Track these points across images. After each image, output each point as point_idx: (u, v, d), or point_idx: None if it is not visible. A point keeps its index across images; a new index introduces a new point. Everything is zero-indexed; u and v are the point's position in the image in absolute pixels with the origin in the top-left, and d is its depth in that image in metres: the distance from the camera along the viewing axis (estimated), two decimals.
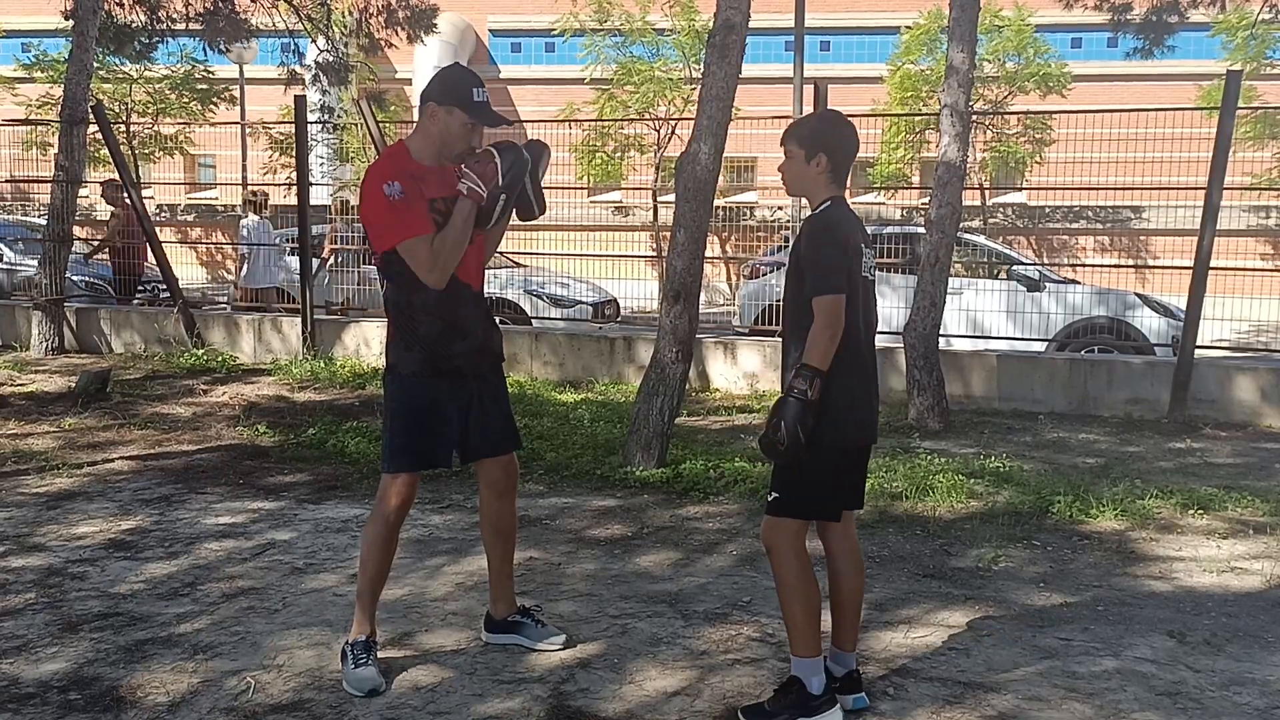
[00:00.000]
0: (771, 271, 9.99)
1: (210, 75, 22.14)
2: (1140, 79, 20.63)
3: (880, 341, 8.08)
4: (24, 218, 16.02)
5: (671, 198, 6.37)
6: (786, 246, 9.68)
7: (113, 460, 6.10)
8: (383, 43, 15.15)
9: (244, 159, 20.95)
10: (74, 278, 11.45)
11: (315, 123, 16.18)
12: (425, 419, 3.29)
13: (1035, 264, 10.83)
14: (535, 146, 3.37)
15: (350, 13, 15.03)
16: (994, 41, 19.19)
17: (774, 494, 3.06)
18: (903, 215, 20.08)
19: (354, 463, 6.04)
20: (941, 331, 7.59)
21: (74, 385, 8.03)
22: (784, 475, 3.04)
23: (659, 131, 20.25)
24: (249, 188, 12.21)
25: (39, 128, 18.23)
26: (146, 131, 21.76)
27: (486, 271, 3.51)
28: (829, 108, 3.30)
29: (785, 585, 3.02)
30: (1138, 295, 9.61)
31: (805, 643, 3.01)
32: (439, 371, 3.29)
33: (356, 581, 3.45)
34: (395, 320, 3.31)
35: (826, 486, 3.06)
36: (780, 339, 3.18)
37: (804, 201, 3.20)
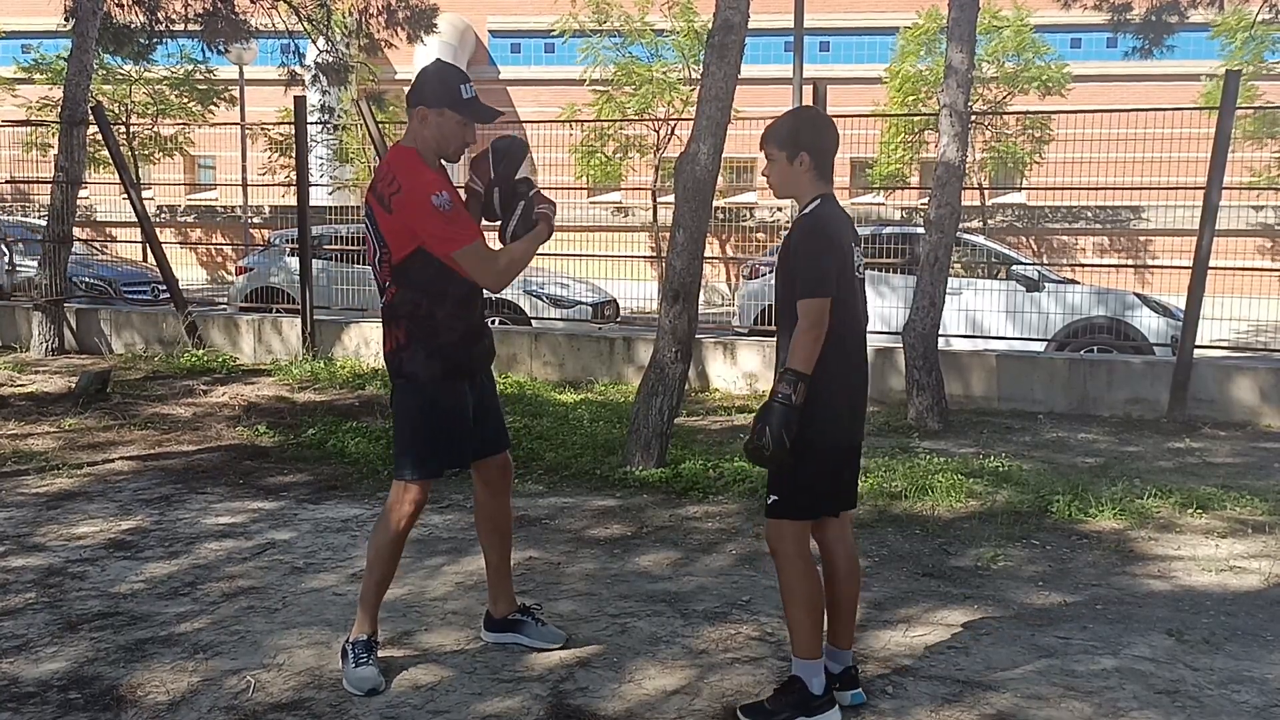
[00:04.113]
0: (771, 272, 9.99)
1: (210, 76, 22.14)
2: (1140, 79, 20.66)
3: (880, 341, 8.19)
4: (24, 218, 16.02)
5: (671, 198, 6.37)
6: None
7: (113, 460, 6.11)
8: (383, 43, 15.17)
9: (244, 160, 20.97)
10: (73, 278, 11.46)
11: (315, 123, 16.17)
12: (451, 424, 3.28)
13: (1034, 264, 10.84)
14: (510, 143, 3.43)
15: (350, 13, 15.04)
16: (993, 42, 19.20)
17: (772, 497, 3.05)
18: (902, 215, 20.08)
19: (354, 463, 6.04)
20: (941, 331, 7.60)
21: (74, 386, 8.03)
22: (779, 477, 3.03)
23: (658, 132, 20.27)
24: None
25: (39, 129, 18.23)
26: (146, 132, 21.78)
27: None
28: (802, 105, 3.23)
29: (789, 588, 3.02)
30: (1137, 295, 9.61)
31: (807, 645, 3.01)
32: (461, 375, 3.30)
33: (361, 582, 3.46)
34: (410, 330, 3.23)
35: (821, 485, 3.05)
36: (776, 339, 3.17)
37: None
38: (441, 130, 3.21)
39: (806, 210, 3.07)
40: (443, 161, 3.30)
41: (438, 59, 3.56)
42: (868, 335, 3.23)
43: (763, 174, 3.15)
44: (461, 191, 3.36)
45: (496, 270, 3.24)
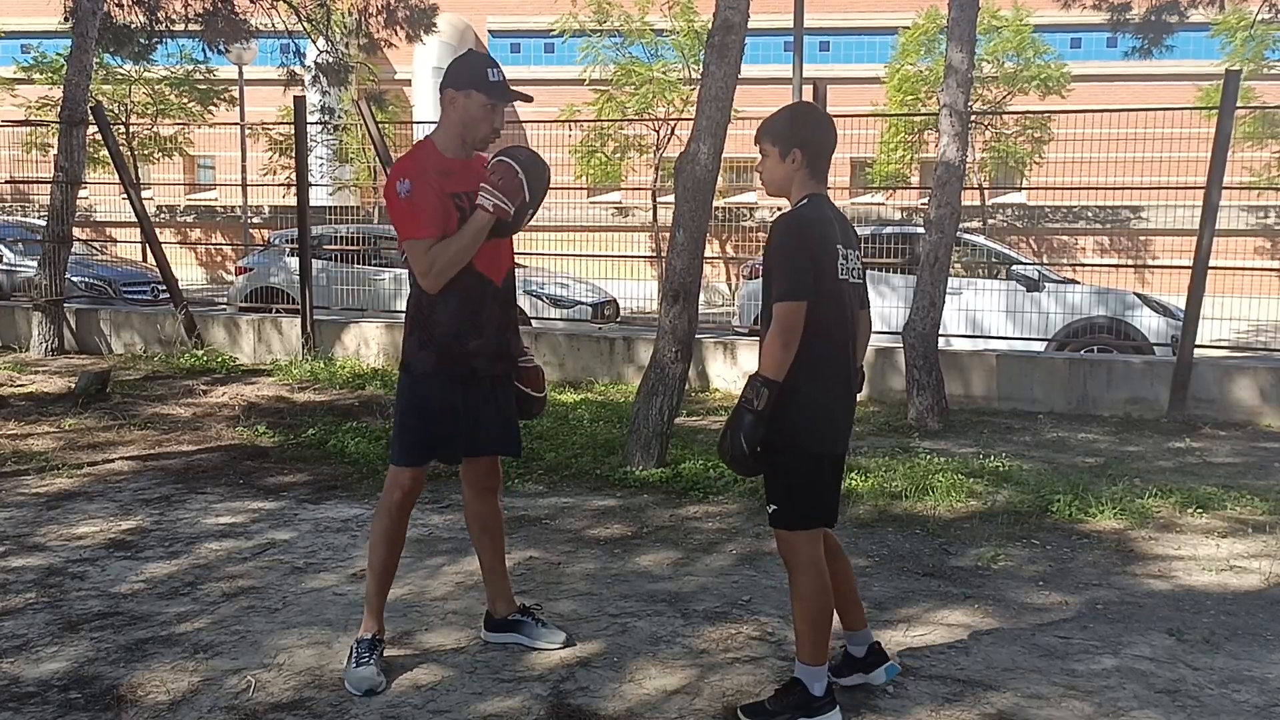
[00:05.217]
0: None
1: (210, 76, 22.15)
2: (1139, 79, 20.67)
3: (880, 341, 8.20)
4: (24, 219, 16.02)
5: (671, 198, 6.37)
6: None
7: (113, 460, 6.11)
8: (382, 43, 15.17)
9: (243, 160, 20.97)
10: (74, 278, 11.46)
11: (315, 123, 16.19)
12: (434, 419, 3.27)
13: (1035, 264, 10.85)
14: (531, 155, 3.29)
15: (350, 13, 15.05)
16: (993, 42, 19.21)
17: (771, 506, 3.02)
18: (902, 215, 20.08)
19: (354, 463, 6.04)
20: (941, 331, 7.60)
21: (74, 386, 8.03)
22: (774, 486, 3.00)
23: (658, 132, 20.27)
24: None
25: (39, 129, 18.24)
26: (146, 132, 21.78)
27: None
28: (802, 100, 3.19)
29: (801, 596, 2.99)
30: (1137, 295, 9.61)
31: (814, 651, 3.00)
32: (454, 374, 3.26)
33: (362, 582, 3.45)
34: (412, 317, 3.28)
35: (815, 491, 3.00)
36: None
37: None
38: (468, 112, 3.20)
39: (790, 210, 3.00)
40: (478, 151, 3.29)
41: (469, 49, 3.55)
42: (871, 335, 3.18)
43: (756, 169, 3.11)
44: (492, 193, 3.19)
45: (428, 272, 3.13)
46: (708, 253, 6.10)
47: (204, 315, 10.27)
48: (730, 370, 8.67)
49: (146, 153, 22.28)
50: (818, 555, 3.01)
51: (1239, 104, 7.75)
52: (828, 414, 2.99)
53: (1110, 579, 4.33)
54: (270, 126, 20.67)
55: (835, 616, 3.11)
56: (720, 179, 6.13)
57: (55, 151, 10.14)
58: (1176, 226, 12.05)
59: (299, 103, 9.72)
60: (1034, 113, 18.43)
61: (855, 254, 3.06)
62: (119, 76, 21.37)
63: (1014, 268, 9.98)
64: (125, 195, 10.27)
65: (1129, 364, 7.97)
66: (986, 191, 20.40)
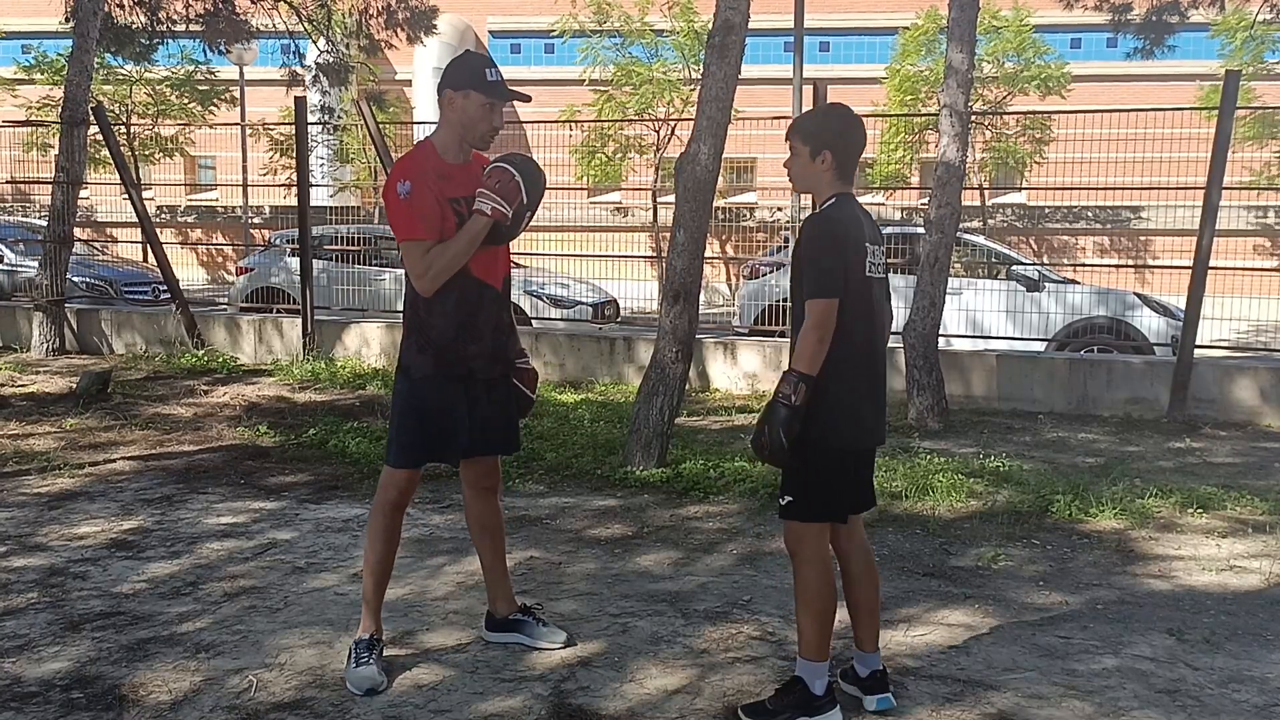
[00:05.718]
0: (771, 272, 10.01)
1: (211, 76, 22.16)
2: (1140, 79, 20.67)
3: None
4: (25, 219, 16.03)
5: (671, 198, 6.38)
6: (787, 247, 9.72)
7: (114, 460, 6.11)
8: (383, 44, 15.20)
9: (244, 160, 20.98)
10: (75, 279, 11.47)
11: (315, 124, 16.19)
12: (433, 422, 3.28)
13: (1035, 264, 10.85)
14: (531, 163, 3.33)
15: (350, 14, 15.07)
16: (993, 42, 19.21)
17: (785, 498, 3.03)
18: (902, 215, 20.09)
19: (355, 463, 6.05)
20: (941, 331, 7.60)
21: (75, 386, 8.04)
22: (791, 479, 3.02)
23: (658, 132, 20.26)
24: None
25: (40, 129, 18.24)
26: (147, 133, 21.79)
27: None
28: (834, 101, 3.22)
29: (805, 590, 3.00)
30: (1137, 295, 9.61)
31: (815, 647, 3.00)
32: (453, 376, 3.27)
33: (362, 581, 3.46)
34: (409, 320, 3.29)
35: (832, 488, 3.02)
36: (786, 338, 3.16)
37: (805, 200, 3.16)
38: (466, 112, 3.21)
39: (818, 209, 3.06)
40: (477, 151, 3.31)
41: (466, 50, 3.56)
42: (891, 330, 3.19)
43: (784, 165, 3.15)
44: (493, 201, 3.19)
45: (424, 275, 3.15)
46: (708, 253, 6.10)
47: (205, 315, 10.28)
48: (731, 370, 8.67)
49: (147, 153, 22.29)
50: (824, 550, 3.02)
51: (1239, 104, 7.75)
52: (852, 412, 3.00)
53: (1110, 579, 4.34)
54: (271, 127, 20.66)
55: (846, 617, 3.12)
56: (720, 179, 6.14)
57: (56, 152, 10.15)
58: (1176, 227, 12.07)
59: (299, 103, 9.73)
60: (1034, 113, 18.42)
61: (879, 250, 3.10)
62: (120, 77, 21.37)
63: (1014, 268, 9.98)
64: (126, 195, 10.27)
65: (1129, 364, 7.97)
66: (986, 191, 20.40)
